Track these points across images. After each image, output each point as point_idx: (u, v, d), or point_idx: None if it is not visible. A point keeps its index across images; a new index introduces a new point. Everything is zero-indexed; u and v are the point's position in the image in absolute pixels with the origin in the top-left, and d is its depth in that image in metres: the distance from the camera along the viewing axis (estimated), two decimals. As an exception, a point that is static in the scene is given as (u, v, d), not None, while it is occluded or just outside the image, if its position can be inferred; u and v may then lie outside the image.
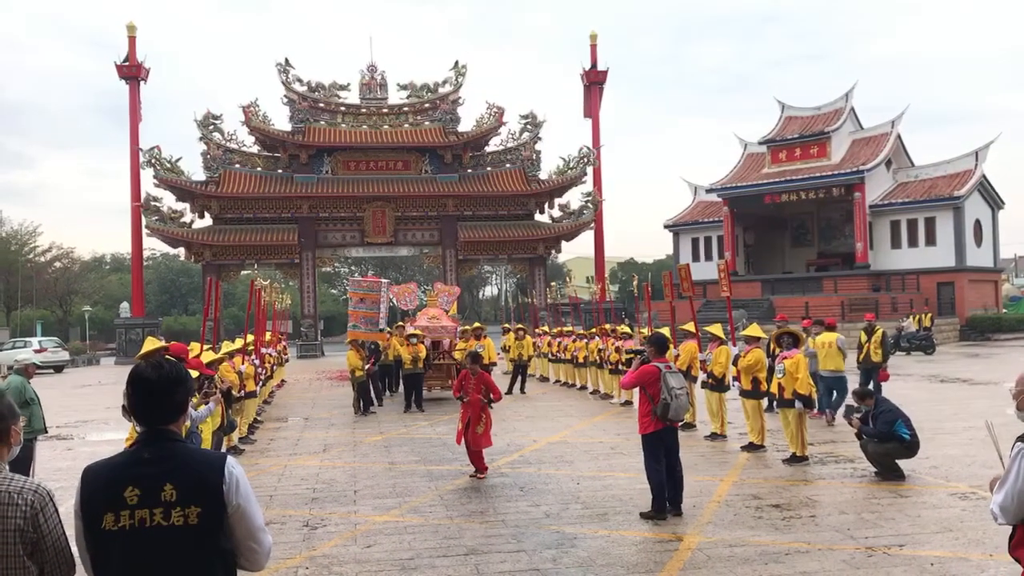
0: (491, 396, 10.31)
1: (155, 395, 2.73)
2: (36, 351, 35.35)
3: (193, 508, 2.63)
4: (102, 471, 2.71)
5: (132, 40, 44.26)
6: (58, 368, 37.61)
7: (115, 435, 15.59)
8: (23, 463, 8.64)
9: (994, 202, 46.74)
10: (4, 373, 24.43)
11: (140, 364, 2.83)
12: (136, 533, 2.60)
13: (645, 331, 15.68)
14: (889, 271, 44.10)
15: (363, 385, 17.70)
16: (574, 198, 47.78)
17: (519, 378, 21.40)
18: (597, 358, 19.43)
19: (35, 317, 56.53)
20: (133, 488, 2.62)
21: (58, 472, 11.29)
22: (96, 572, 2.68)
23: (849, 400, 13.13)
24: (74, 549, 2.83)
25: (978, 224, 45.07)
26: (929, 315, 36.58)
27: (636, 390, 8.70)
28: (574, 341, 21.72)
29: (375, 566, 6.85)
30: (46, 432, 10.70)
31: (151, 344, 9.26)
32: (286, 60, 44.47)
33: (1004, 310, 48.79)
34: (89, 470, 2.72)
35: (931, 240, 43.65)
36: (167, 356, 6.23)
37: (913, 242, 44.24)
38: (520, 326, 24.59)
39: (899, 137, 46.05)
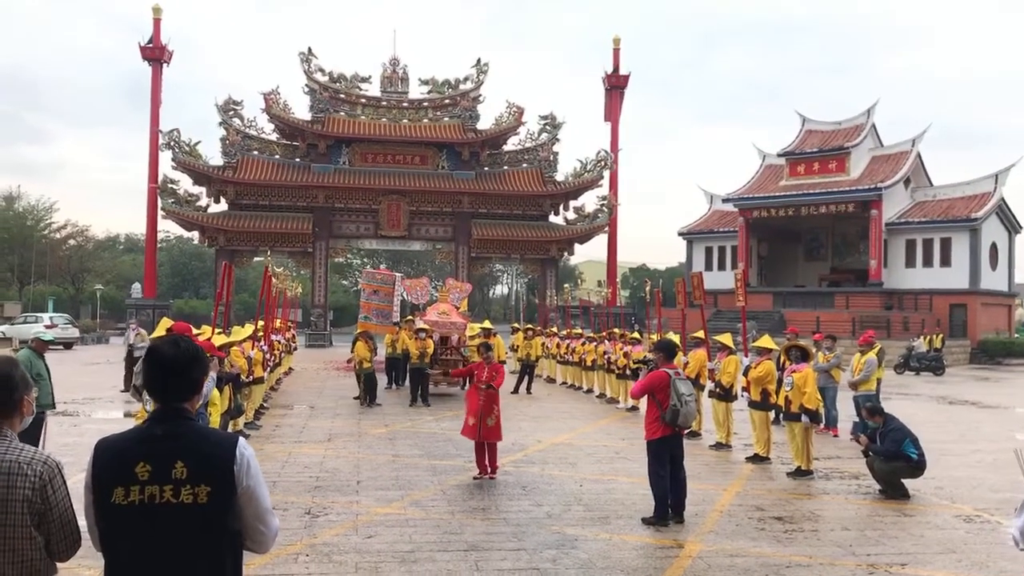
0: (494, 384, 10.22)
1: (171, 372, 2.73)
2: (47, 327, 35.54)
3: (203, 487, 2.63)
4: (114, 445, 2.71)
5: (157, 22, 44.44)
6: (68, 345, 37.80)
7: (121, 414, 15.69)
8: (31, 437, 8.69)
9: (1012, 226, 46.44)
10: (16, 346, 24.58)
11: (157, 341, 2.84)
12: (145, 509, 2.61)
13: (655, 337, 15.63)
14: (902, 290, 43.86)
15: (370, 377, 17.72)
16: (589, 201, 47.80)
17: (526, 378, 21.39)
18: (604, 362, 19.40)
19: (47, 293, 56.86)
20: (144, 464, 2.63)
21: (64, 447, 11.34)
22: (104, 546, 2.68)
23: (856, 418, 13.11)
24: (81, 523, 2.84)
25: (994, 247, 44.78)
26: (940, 336, 36.38)
27: (644, 396, 8.68)
28: (582, 344, 21.70)
29: (375, 557, 6.86)
30: (54, 408, 10.76)
31: (165, 325, 9.30)
32: (309, 49, 44.58)
33: (1016, 335, 48.43)
34: (101, 444, 2.73)
35: (946, 261, 43.38)
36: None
37: (928, 262, 43.98)
38: (529, 326, 24.61)
39: (919, 156, 45.80)
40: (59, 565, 2.96)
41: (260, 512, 2.75)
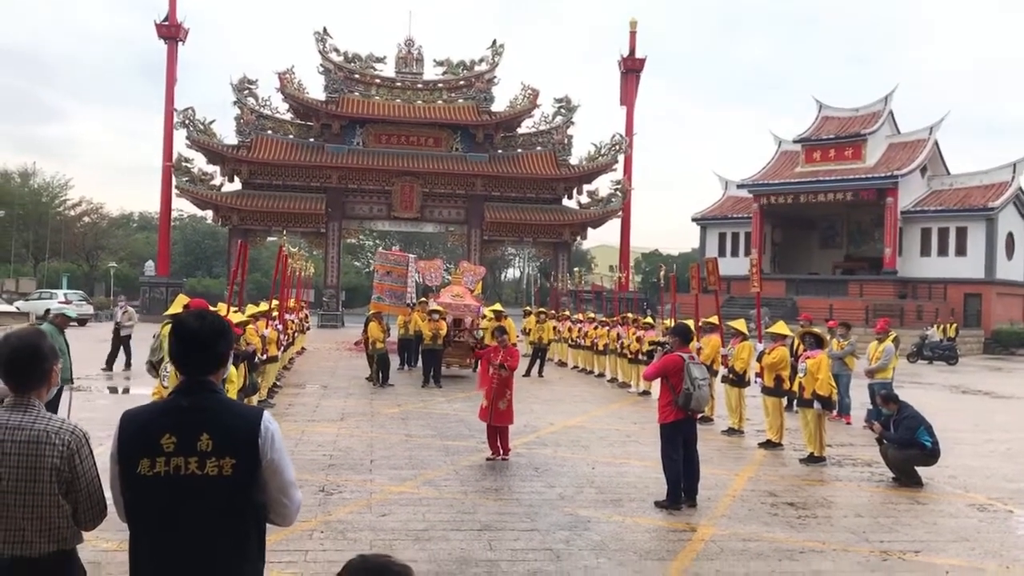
0: (507, 365, 10.21)
1: (197, 345, 2.74)
2: (61, 303, 35.77)
3: (228, 459, 2.64)
4: (140, 416, 2.73)
5: (173, 0, 44.39)
6: (82, 321, 38.02)
7: (135, 390, 15.81)
8: (51, 409, 8.75)
9: (1029, 216, 46.05)
10: (32, 321, 24.75)
11: (185, 313, 2.85)
12: (171, 480, 2.62)
13: (668, 322, 15.61)
14: (916, 279, 43.61)
15: (383, 357, 17.77)
16: (603, 185, 47.63)
17: (538, 361, 21.42)
18: (617, 346, 19.40)
19: (61, 270, 57.23)
20: (170, 435, 2.64)
21: (79, 421, 11.42)
22: (129, 516, 2.70)
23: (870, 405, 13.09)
24: (107, 492, 2.86)
25: (1011, 237, 44.44)
26: (954, 325, 36.20)
27: (657, 380, 8.68)
28: (595, 328, 21.69)
29: (389, 535, 6.90)
30: (72, 383, 10.84)
31: (181, 302, 9.35)
32: (324, 29, 44.45)
33: (1030, 326, 48.14)
34: (127, 415, 2.74)
35: (961, 250, 43.09)
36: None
37: (943, 251, 43.69)
38: (542, 309, 24.61)
39: (936, 144, 45.42)
40: (84, 535, 3.00)
41: (284, 485, 2.76)
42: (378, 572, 1.97)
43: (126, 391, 16.50)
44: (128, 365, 19.30)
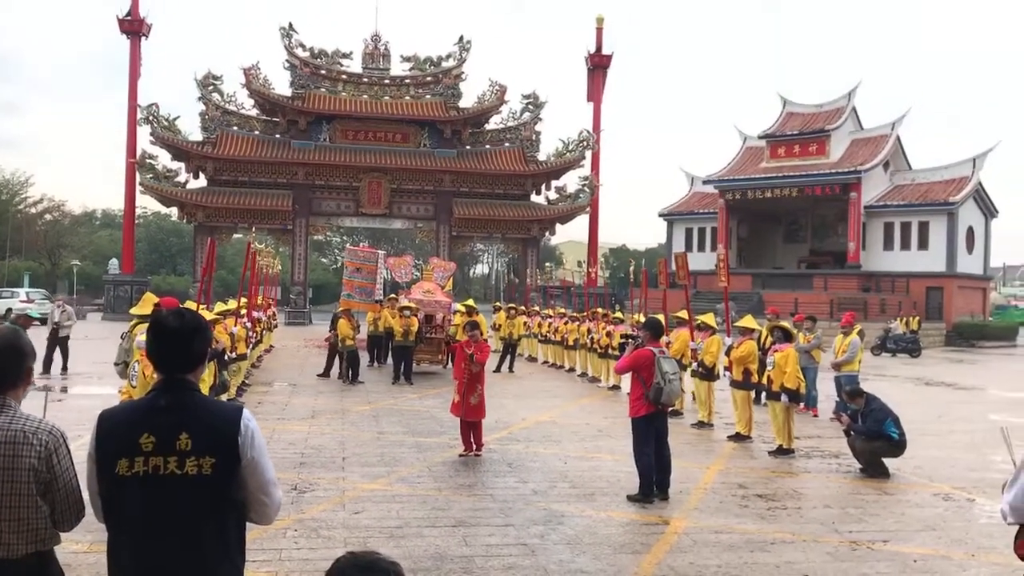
0: (477, 359, 10.18)
1: (175, 343, 2.72)
2: (22, 302, 35.21)
3: (208, 458, 2.62)
4: (118, 416, 2.70)
5: (136, -6, 43.75)
6: (44, 320, 37.41)
7: (101, 389, 15.54)
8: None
9: (988, 210, 46.93)
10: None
11: (162, 312, 2.83)
12: (149, 480, 2.60)
13: (638, 317, 15.70)
14: (880, 272, 44.28)
15: (352, 354, 17.70)
16: (571, 181, 47.76)
17: (508, 357, 21.45)
18: (587, 341, 19.48)
19: (23, 268, 56.23)
20: (149, 435, 2.62)
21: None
22: (107, 516, 2.67)
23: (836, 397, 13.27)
24: (84, 492, 2.83)
25: (971, 231, 45.27)
26: (917, 318, 36.84)
27: (627, 374, 8.74)
28: (565, 323, 21.76)
29: (363, 532, 6.88)
30: (34, 384, 10.66)
31: (149, 301, 9.24)
32: (290, 24, 44.05)
33: (991, 318, 49.10)
34: (105, 414, 2.71)
35: (923, 244, 43.84)
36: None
37: (905, 245, 44.41)
38: (512, 305, 24.64)
39: (898, 139, 46.13)
40: (61, 535, 2.96)
41: (264, 484, 2.75)
42: (367, 568, 1.97)
43: (64, 390, 15.87)
44: (65, 368, 18.08)
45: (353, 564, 1.99)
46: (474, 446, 10.20)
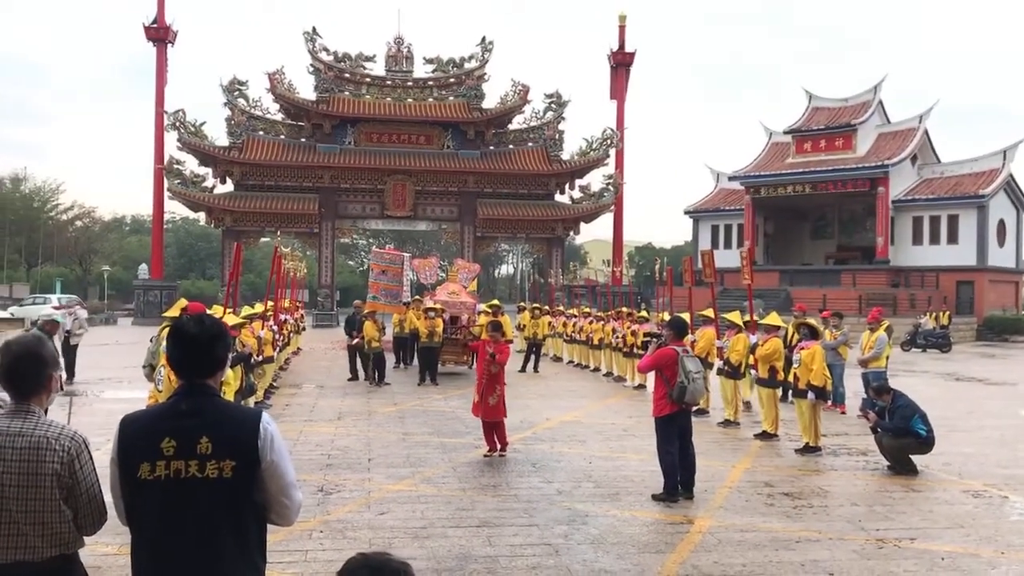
0: (497, 359, 10.21)
1: (196, 349, 2.77)
2: (55, 308, 35.69)
3: (228, 462, 2.67)
4: (140, 421, 2.76)
5: (161, 2, 44.31)
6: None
7: (131, 394, 15.75)
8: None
9: (1020, 203, 46.24)
10: (27, 327, 24.70)
11: (183, 318, 2.88)
12: (171, 483, 2.65)
13: (664, 315, 15.65)
14: (909, 267, 43.78)
15: (379, 356, 17.79)
16: (595, 180, 47.83)
17: (533, 357, 21.46)
18: (612, 340, 19.44)
19: (55, 274, 57.09)
20: (170, 439, 2.67)
21: (76, 427, 11.43)
22: (130, 520, 2.73)
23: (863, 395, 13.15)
24: (107, 497, 2.89)
25: (1002, 224, 44.63)
26: (947, 313, 36.37)
27: (651, 373, 8.72)
28: (590, 323, 21.74)
29: (388, 533, 6.93)
30: (62, 389, 10.82)
31: (181, 305, 9.37)
32: (313, 29, 44.46)
33: (1023, 312, 48.38)
34: (127, 419, 2.77)
35: (953, 238, 43.28)
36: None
37: (935, 239, 43.87)
38: (536, 305, 24.65)
39: (926, 132, 45.57)
40: (84, 539, 3.02)
41: (284, 486, 2.79)
42: (378, 569, 2.00)
43: (90, 395, 16.31)
44: (71, 377, 17.23)
45: (364, 565, 2.02)
46: (498, 446, 10.23)
